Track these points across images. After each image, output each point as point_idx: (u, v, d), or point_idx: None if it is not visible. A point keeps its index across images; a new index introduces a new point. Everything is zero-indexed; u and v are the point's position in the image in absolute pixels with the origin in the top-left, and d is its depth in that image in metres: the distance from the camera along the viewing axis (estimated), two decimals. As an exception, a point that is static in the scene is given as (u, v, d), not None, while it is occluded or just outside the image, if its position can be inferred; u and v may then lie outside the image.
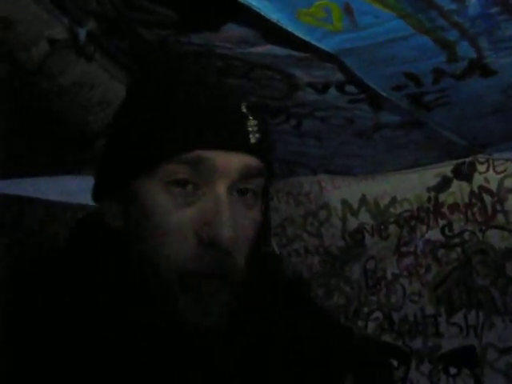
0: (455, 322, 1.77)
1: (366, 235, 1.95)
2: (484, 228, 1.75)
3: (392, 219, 1.90)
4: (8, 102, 1.13)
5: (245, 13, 0.86)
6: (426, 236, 1.84)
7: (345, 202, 1.99)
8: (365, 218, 1.95)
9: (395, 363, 1.82)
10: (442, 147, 1.66)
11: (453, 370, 1.74)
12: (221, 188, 0.63)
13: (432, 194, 1.84)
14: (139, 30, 1.05)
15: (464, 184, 1.79)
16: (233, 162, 0.64)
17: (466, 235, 1.77)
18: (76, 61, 1.12)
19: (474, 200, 1.77)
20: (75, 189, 1.61)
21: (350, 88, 1.22)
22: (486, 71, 1.09)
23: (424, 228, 1.85)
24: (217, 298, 0.63)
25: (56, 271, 0.69)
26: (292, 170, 1.97)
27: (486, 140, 1.63)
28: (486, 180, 1.75)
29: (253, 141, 0.65)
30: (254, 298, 0.70)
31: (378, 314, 1.90)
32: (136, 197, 0.65)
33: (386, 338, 1.86)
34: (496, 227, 1.73)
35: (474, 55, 1.02)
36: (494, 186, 1.74)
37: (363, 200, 1.96)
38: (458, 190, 1.80)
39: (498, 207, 1.73)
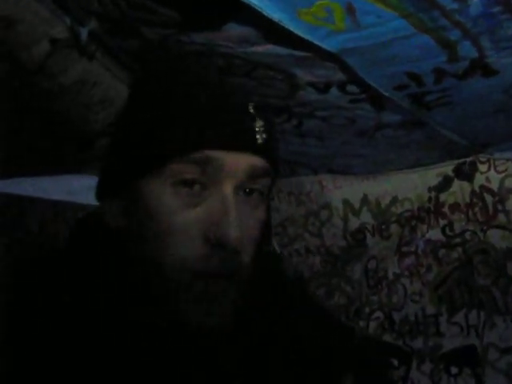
0: (456, 322, 1.77)
1: (368, 235, 1.95)
2: (485, 228, 1.75)
3: (393, 219, 1.90)
4: (8, 101, 1.13)
5: (246, 12, 0.86)
6: (427, 236, 1.84)
7: (346, 202, 1.99)
8: (366, 217, 1.95)
9: (396, 363, 1.82)
10: (444, 147, 1.66)
11: (454, 370, 1.74)
12: (228, 188, 0.63)
13: (433, 194, 1.84)
14: (141, 29, 1.04)
15: (465, 184, 1.79)
16: (240, 162, 0.64)
17: (467, 235, 1.77)
18: (77, 60, 1.12)
19: (475, 200, 1.77)
20: (76, 188, 1.61)
21: (351, 88, 1.22)
22: (488, 71, 1.09)
23: (425, 228, 1.85)
24: (222, 298, 0.63)
25: (56, 271, 0.69)
26: (293, 170, 1.97)
27: (487, 140, 1.63)
28: (488, 180, 1.75)
29: (260, 141, 0.65)
30: (255, 297, 0.69)
31: (379, 313, 1.89)
32: (139, 196, 0.65)
33: (387, 337, 1.87)
34: (497, 227, 1.73)
35: (475, 55, 1.02)
36: (495, 186, 1.74)
37: (364, 200, 1.96)
38: (459, 190, 1.80)
39: (499, 207, 1.73)
